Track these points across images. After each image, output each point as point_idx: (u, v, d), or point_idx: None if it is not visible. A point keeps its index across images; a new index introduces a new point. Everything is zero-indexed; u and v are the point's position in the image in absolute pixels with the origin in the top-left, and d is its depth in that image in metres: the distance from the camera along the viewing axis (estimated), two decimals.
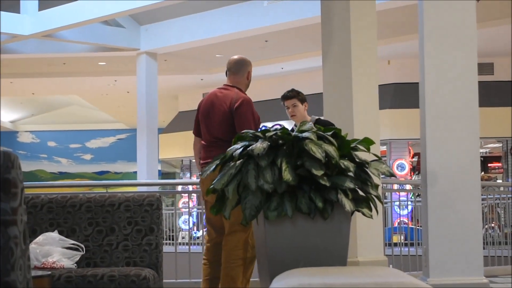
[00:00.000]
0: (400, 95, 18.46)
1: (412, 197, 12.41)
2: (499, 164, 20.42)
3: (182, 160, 24.66)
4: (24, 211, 2.31)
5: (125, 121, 28.85)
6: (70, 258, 5.05)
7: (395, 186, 12.14)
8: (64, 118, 29.16)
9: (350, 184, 4.09)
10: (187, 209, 18.99)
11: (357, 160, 4.25)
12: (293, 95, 6.87)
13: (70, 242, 5.14)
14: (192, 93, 23.11)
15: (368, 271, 3.37)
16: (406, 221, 16.23)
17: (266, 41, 17.22)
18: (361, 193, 4.22)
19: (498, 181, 19.19)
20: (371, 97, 7.19)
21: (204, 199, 5.89)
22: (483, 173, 19.39)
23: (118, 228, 5.29)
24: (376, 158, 4.51)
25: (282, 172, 4.02)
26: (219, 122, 5.81)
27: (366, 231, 6.91)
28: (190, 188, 12.22)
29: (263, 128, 5.37)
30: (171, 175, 28.65)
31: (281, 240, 4.13)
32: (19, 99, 26.21)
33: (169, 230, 18.18)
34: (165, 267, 5.56)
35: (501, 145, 19.72)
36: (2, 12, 15.27)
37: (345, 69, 7.10)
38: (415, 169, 19.45)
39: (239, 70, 6.00)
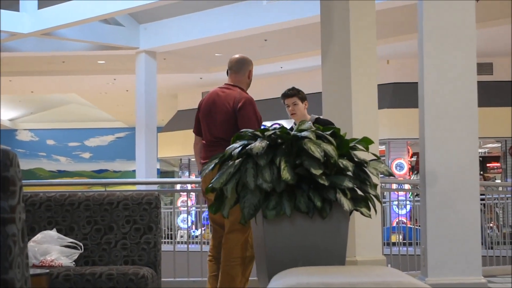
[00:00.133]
0: (399, 94, 18.46)
1: (411, 197, 12.43)
2: (498, 164, 20.42)
3: (181, 159, 24.67)
4: (23, 209, 2.31)
5: (124, 119, 28.85)
6: (69, 256, 5.05)
7: (394, 186, 12.13)
8: (63, 116, 29.16)
9: (348, 184, 4.09)
10: (185, 208, 18.99)
11: (356, 159, 4.25)
12: (293, 93, 6.86)
13: (68, 240, 5.14)
14: (191, 92, 23.12)
15: (366, 270, 3.37)
16: (405, 221, 16.25)
17: (265, 40, 17.22)
18: (359, 192, 4.22)
19: (497, 181, 19.19)
20: (370, 96, 7.19)
21: (206, 198, 5.88)
22: (482, 173, 19.41)
23: (117, 227, 5.29)
24: (375, 158, 4.51)
25: (281, 171, 4.02)
26: (221, 122, 5.79)
27: (364, 231, 6.91)
28: (189, 186, 12.24)
29: (263, 127, 5.36)
30: (170, 174, 28.67)
31: (280, 239, 4.13)
32: (18, 97, 26.20)
33: (168, 228, 18.20)
34: (164, 266, 5.56)
35: (500, 145, 19.74)
36: (1, 10, 15.27)
37: (344, 69, 7.10)
38: (414, 168, 19.46)
39: (240, 69, 5.99)
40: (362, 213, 4.18)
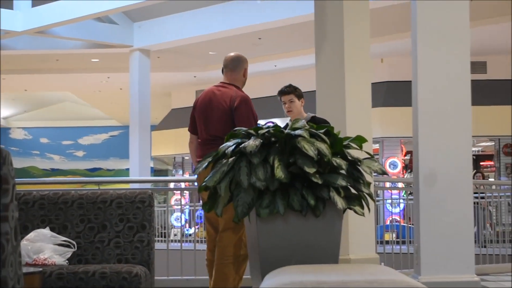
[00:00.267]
0: (393, 93, 18.48)
1: (404, 195, 12.45)
2: (491, 163, 20.47)
3: (174, 157, 24.66)
4: (16, 208, 2.31)
5: (117, 118, 28.83)
6: (62, 254, 5.04)
7: (387, 184, 12.14)
8: (56, 114, 29.12)
9: (342, 182, 4.09)
10: (179, 206, 18.99)
11: (350, 158, 4.25)
12: (290, 90, 6.85)
13: (61, 238, 5.14)
14: (185, 90, 23.11)
15: (359, 268, 3.37)
16: (398, 219, 16.27)
17: (259, 38, 17.22)
18: (353, 191, 4.22)
19: (490, 179, 19.23)
20: (364, 95, 7.19)
21: (201, 196, 5.87)
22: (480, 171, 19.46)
23: (110, 225, 5.29)
24: (369, 156, 4.51)
25: (274, 170, 4.02)
26: (218, 120, 5.79)
27: (358, 229, 6.92)
28: (183, 185, 12.23)
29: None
30: (164, 172, 28.66)
31: (273, 238, 4.13)
32: (12, 95, 26.16)
33: (161, 227, 18.18)
34: (157, 264, 5.56)
35: (493, 143, 19.77)
36: None
37: (338, 67, 7.10)
38: (408, 167, 19.49)
39: (235, 67, 5.99)
40: (355, 212, 4.18)
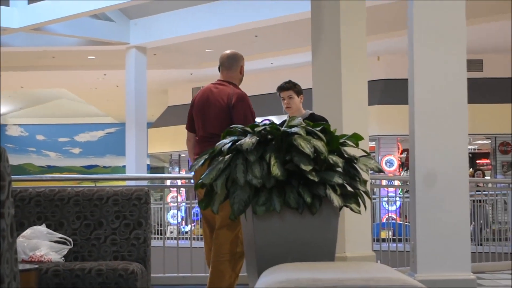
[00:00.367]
0: (390, 91, 18.48)
1: (401, 193, 12.43)
2: (488, 161, 20.49)
3: (171, 155, 24.64)
4: (12, 204, 2.30)
5: (114, 115, 28.80)
6: (58, 251, 5.04)
7: (384, 182, 12.15)
8: (53, 111, 29.09)
9: (338, 180, 4.09)
10: (175, 204, 18.97)
11: (346, 155, 4.25)
12: (289, 86, 6.82)
13: (58, 235, 5.13)
14: (182, 88, 23.09)
15: (356, 266, 3.37)
16: (394, 217, 16.27)
17: (255, 36, 17.21)
18: (349, 188, 4.22)
19: (486, 177, 19.25)
20: (360, 93, 7.19)
21: (198, 194, 5.87)
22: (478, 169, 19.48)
23: (106, 222, 5.29)
24: (365, 154, 4.51)
25: (270, 167, 4.02)
26: (215, 117, 5.79)
27: (354, 227, 6.91)
28: (179, 182, 12.21)
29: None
30: (160, 170, 28.63)
31: (269, 235, 4.13)
32: (8, 92, 26.12)
33: (158, 224, 18.16)
34: (153, 261, 5.56)
35: (489, 141, 19.79)
36: None
37: (334, 65, 7.09)
38: (404, 165, 19.50)
39: (232, 65, 5.99)
40: (351, 209, 4.19)
